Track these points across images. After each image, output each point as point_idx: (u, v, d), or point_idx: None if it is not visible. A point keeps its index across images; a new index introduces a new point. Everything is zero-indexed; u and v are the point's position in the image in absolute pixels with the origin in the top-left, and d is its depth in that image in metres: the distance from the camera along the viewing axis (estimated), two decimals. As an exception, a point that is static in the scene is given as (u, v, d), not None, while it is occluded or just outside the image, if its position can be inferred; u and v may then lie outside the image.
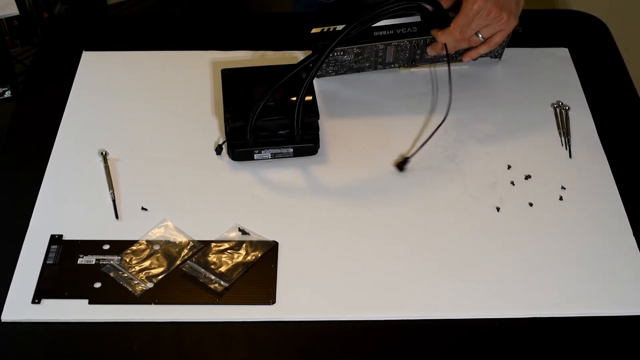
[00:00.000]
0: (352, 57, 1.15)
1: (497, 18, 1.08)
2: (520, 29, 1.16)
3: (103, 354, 0.89)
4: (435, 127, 1.08)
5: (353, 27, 1.05)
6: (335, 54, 1.13)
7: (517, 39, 1.23)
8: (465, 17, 1.07)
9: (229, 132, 1.06)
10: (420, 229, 1.01)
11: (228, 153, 1.07)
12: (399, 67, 1.19)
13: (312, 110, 1.06)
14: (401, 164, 1.07)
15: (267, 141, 1.06)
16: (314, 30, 1.11)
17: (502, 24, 1.10)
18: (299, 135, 1.06)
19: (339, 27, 1.08)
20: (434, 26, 1.11)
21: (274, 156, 1.07)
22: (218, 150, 1.08)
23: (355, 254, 0.97)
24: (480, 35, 1.11)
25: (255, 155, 1.06)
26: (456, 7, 1.09)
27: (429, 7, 1.09)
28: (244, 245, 0.97)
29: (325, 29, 1.11)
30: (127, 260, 0.95)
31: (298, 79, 1.05)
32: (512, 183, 1.06)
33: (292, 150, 1.06)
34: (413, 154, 1.07)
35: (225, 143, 1.07)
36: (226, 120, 1.06)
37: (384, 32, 1.12)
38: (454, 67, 1.21)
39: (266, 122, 1.05)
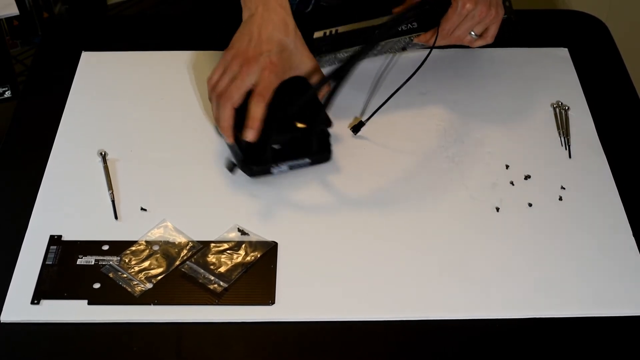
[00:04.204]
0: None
1: (487, 15, 1.11)
2: (513, 17, 1.16)
3: (102, 355, 0.89)
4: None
5: (367, 47, 1.02)
6: (337, 54, 1.13)
7: (517, 39, 1.23)
8: (457, 20, 1.10)
9: (244, 150, 1.03)
10: (420, 229, 1.00)
11: (244, 171, 1.04)
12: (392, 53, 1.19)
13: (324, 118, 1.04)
14: (356, 127, 1.09)
15: (283, 154, 1.03)
16: (316, 35, 1.10)
17: (493, 19, 1.13)
18: (314, 146, 1.04)
19: (340, 29, 1.08)
20: (432, 18, 1.11)
21: (291, 168, 1.05)
22: (230, 167, 1.04)
23: (355, 254, 0.97)
24: (473, 33, 1.13)
25: (273, 170, 1.04)
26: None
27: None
28: (243, 245, 0.97)
29: (327, 32, 1.10)
30: (127, 260, 0.95)
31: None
32: (512, 183, 1.06)
33: (308, 160, 1.05)
34: (369, 118, 1.08)
35: (239, 161, 1.04)
36: (237, 138, 1.02)
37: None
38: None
39: (282, 137, 1.03)
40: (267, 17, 1.04)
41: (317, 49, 1.10)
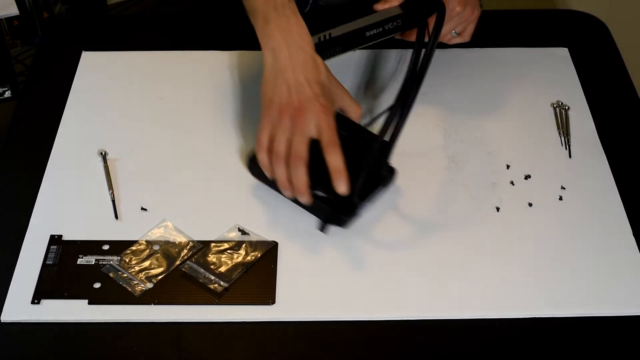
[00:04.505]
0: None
1: (471, 16, 1.13)
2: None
3: (103, 355, 0.89)
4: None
5: (423, 70, 1.00)
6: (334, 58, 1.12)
7: (517, 39, 1.23)
8: (445, 20, 1.09)
9: (330, 204, 0.97)
10: (419, 229, 1.00)
11: (336, 224, 0.98)
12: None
13: (386, 147, 1.01)
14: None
15: (363, 192, 1.00)
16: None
17: (474, 18, 1.15)
18: (384, 172, 1.02)
19: (334, 32, 1.08)
20: (417, 15, 1.10)
21: (370, 202, 1.02)
22: (322, 228, 0.98)
23: (355, 254, 0.97)
24: (453, 32, 1.15)
25: (360, 211, 1.00)
26: None
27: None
28: (243, 245, 0.97)
29: (321, 37, 1.09)
30: (127, 260, 0.95)
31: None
32: (512, 183, 1.06)
33: (382, 188, 1.03)
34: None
35: (326, 216, 0.98)
36: (320, 197, 0.97)
37: (374, 31, 1.11)
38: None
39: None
40: (296, 58, 0.98)
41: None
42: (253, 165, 1.01)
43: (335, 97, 1.00)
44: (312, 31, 1.05)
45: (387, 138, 0.99)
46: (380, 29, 1.11)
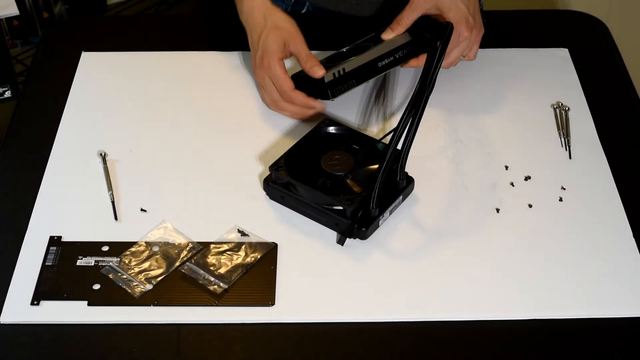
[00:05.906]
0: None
1: (477, 37, 1.14)
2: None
3: (102, 356, 0.89)
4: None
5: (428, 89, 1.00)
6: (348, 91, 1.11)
7: (517, 39, 1.22)
8: (454, 45, 1.11)
9: (352, 217, 0.97)
10: (419, 230, 1.00)
11: (357, 237, 0.98)
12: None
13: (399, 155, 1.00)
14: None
15: (383, 203, 0.98)
16: (327, 79, 1.08)
17: (479, 39, 1.15)
18: (402, 181, 1.01)
19: (348, 66, 1.08)
20: (427, 40, 1.11)
21: (390, 213, 1.02)
22: (341, 241, 0.98)
23: (354, 255, 0.97)
24: (462, 56, 1.15)
25: (380, 222, 1.00)
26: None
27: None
28: (243, 246, 0.97)
29: (336, 72, 1.08)
30: (126, 261, 0.95)
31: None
32: (512, 184, 1.06)
33: (401, 198, 1.02)
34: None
35: (348, 230, 0.98)
36: (337, 211, 0.98)
37: (386, 61, 1.11)
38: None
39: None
40: (249, 23, 1.14)
41: (332, 92, 1.08)
42: (268, 187, 1.02)
43: (278, 22, 1.12)
44: (326, 67, 1.08)
45: (398, 147, 0.99)
46: (392, 58, 1.12)
